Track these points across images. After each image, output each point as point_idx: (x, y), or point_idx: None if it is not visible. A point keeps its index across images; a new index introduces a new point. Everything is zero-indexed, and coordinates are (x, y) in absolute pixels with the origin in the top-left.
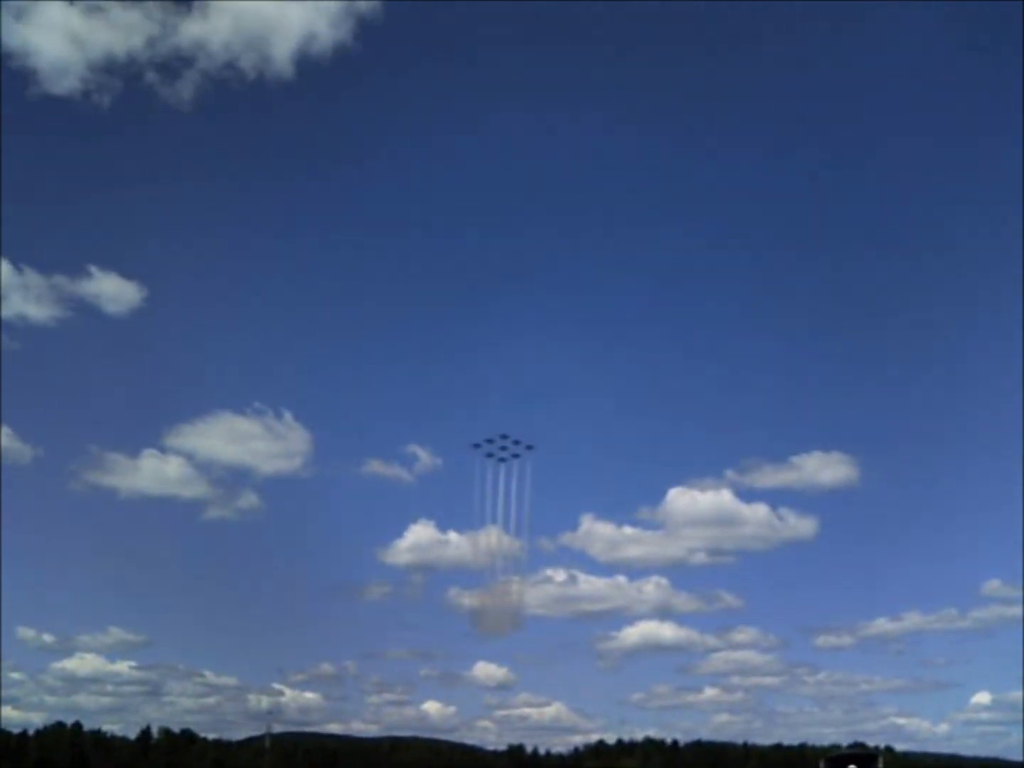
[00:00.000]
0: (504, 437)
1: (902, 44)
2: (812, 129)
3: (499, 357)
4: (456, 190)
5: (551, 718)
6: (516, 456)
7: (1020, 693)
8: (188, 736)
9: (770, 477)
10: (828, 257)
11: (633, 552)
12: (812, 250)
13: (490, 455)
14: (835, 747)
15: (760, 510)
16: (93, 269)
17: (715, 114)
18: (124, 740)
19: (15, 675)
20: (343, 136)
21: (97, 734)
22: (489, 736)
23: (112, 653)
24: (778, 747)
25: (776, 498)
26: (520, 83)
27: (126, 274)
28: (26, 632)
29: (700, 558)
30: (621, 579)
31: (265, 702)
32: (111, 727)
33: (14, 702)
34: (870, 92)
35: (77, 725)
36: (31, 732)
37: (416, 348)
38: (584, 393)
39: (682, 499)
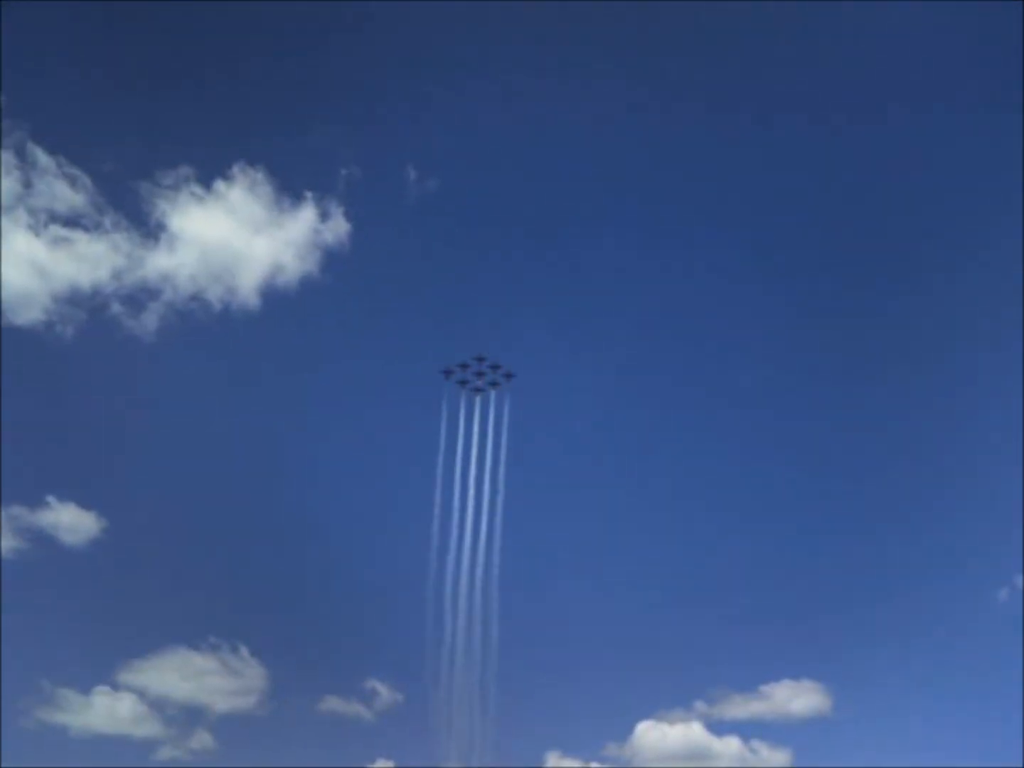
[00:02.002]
0: None
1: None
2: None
3: None
4: None
5: None
6: None
7: None
8: None
9: (740, 708)
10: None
11: None
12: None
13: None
14: None
15: (732, 743)
16: (51, 499)
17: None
18: None
19: None
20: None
21: None
22: None
23: None
24: None
25: (748, 730)
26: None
27: (85, 504)
28: None
29: None
30: None
31: None
32: None
33: None
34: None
35: None
36: None
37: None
38: None
39: (651, 733)
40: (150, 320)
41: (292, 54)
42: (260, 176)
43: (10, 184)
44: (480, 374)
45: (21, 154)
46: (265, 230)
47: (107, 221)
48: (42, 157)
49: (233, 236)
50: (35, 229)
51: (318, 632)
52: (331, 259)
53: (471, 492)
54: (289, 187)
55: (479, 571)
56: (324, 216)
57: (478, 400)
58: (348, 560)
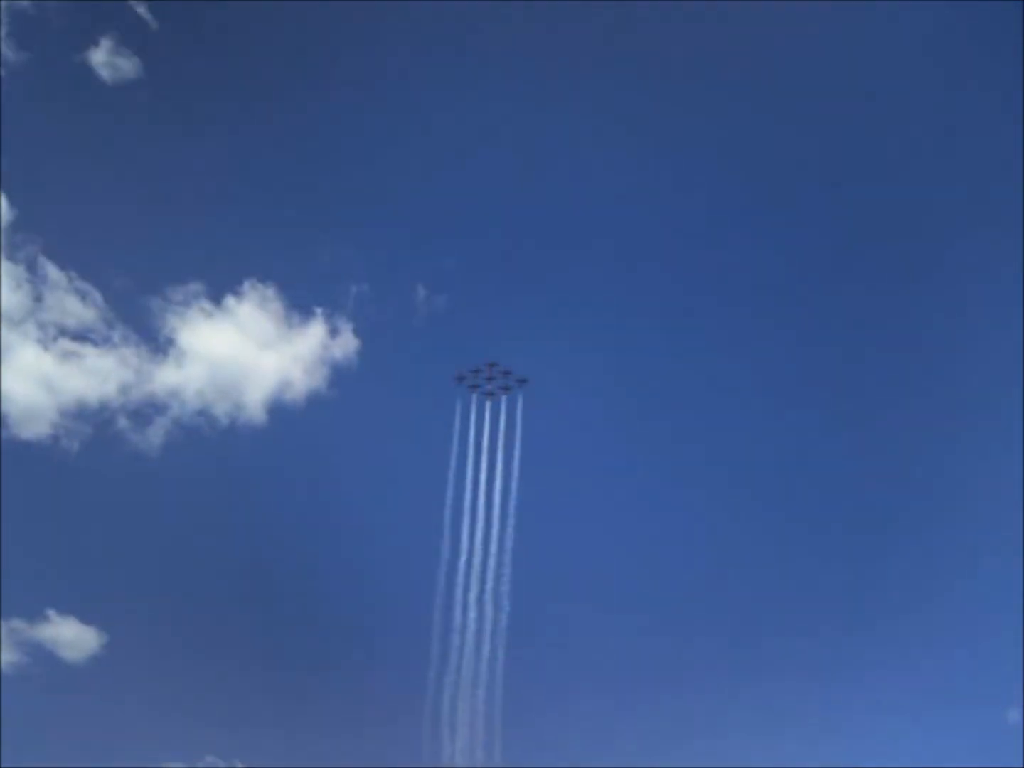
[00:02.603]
0: None
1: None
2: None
3: None
4: None
5: None
6: None
7: None
8: None
9: None
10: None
11: None
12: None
13: None
14: None
15: None
16: (52, 613)
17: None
18: None
19: None
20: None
21: None
22: None
23: None
24: None
25: None
26: None
27: (86, 619)
28: None
29: None
30: None
31: None
32: None
33: None
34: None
35: None
36: None
37: None
38: None
39: None
40: (156, 435)
41: (304, 173)
42: (271, 292)
43: (21, 298)
44: (492, 379)
45: (32, 268)
46: (274, 346)
47: (116, 336)
48: (53, 272)
49: (242, 352)
50: (44, 343)
51: (306, 740)
52: (339, 375)
53: (482, 495)
54: (299, 304)
55: (489, 576)
56: (333, 332)
57: (489, 405)
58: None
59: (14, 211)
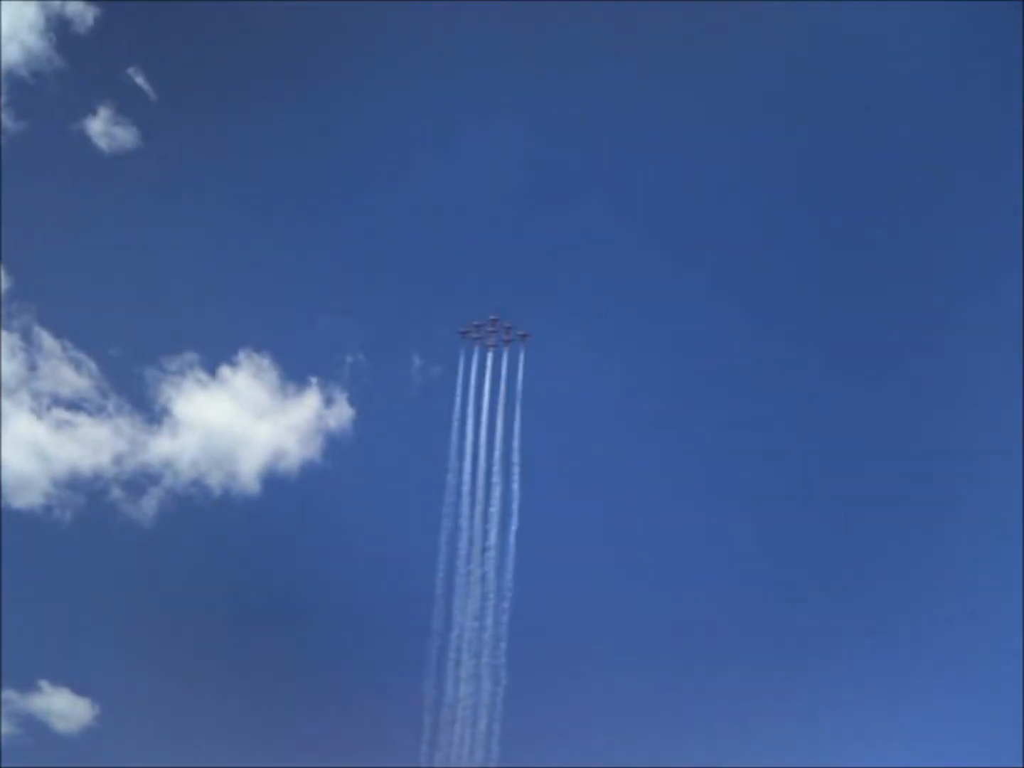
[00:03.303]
0: None
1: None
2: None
3: None
4: None
5: None
6: None
7: None
8: None
9: None
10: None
11: None
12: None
13: None
14: None
15: None
16: (45, 684)
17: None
18: None
19: None
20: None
21: None
22: None
23: None
24: None
25: None
26: None
27: (79, 690)
28: None
29: None
30: None
31: None
32: None
33: None
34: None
35: None
36: None
37: None
38: None
39: None
40: (149, 505)
41: (300, 243)
42: (266, 362)
43: (15, 367)
44: (495, 332)
45: (27, 337)
46: (269, 415)
47: (111, 405)
48: (48, 340)
49: (236, 421)
50: (38, 412)
51: None
52: (333, 445)
53: (483, 443)
54: (294, 373)
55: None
56: (328, 402)
57: (490, 355)
58: None
59: (10, 279)
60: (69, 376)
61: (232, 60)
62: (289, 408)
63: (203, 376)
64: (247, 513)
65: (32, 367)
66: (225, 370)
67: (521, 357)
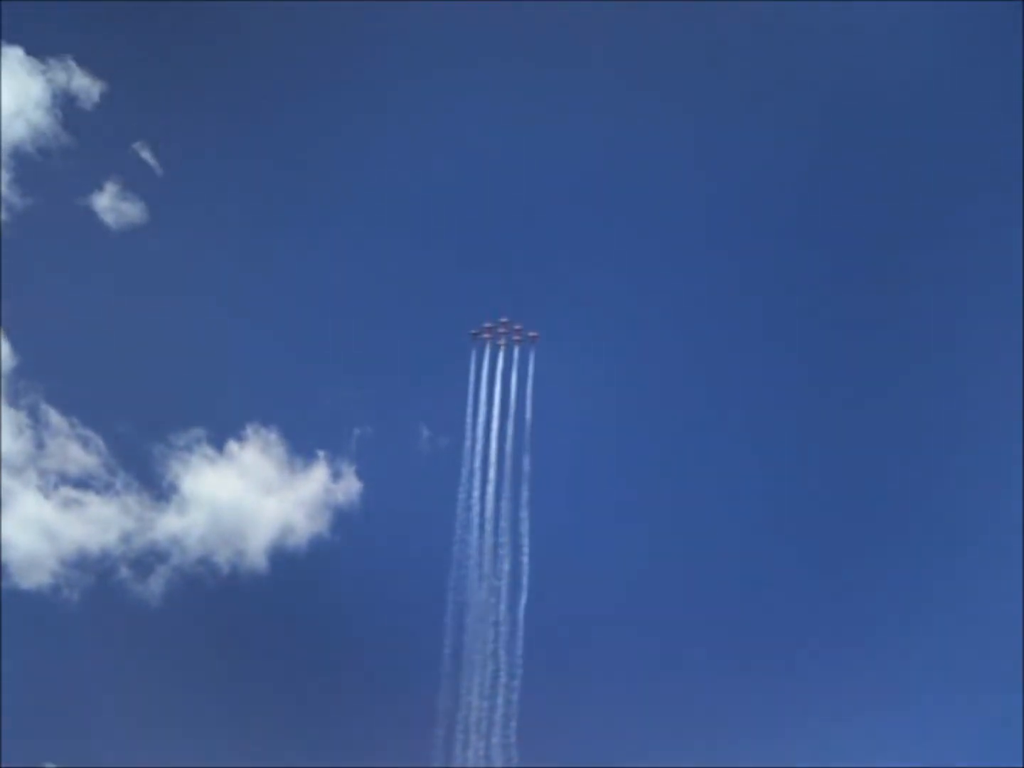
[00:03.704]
0: None
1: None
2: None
3: None
4: None
5: None
6: None
7: None
8: None
9: None
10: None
11: None
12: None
13: None
14: None
15: None
16: (50, 766)
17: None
18: None
19: None
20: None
21: None
22: None
23: None
24: None
25: None
26: None
27: None
28: None
29: None
30: None
31: None
32: None
33: None
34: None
35: None
36: None
37: None
38: None
39: None
40: (157, 584)
41: (306, 318)
42: (273, 437)
43: (22, 445)
44: (505, 334)
45: (34, 415)
46: (276, 490)
47: (118, 483)
48: (55, 418)
49: (244, 497)
50: (45, 491)
51: None
52: (341, 519)
53: (495, 434)
54: (302, 447)
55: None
56: (336, 476)
57: (502, 354)
58: None
59: (17, 357)
60: (76, 454)
61: (237, 135)
62: (297, 482)
63: (211, 452)
64: (255, 591)
65: (39, 445)
66: (233, 445)
67: (531, 359)
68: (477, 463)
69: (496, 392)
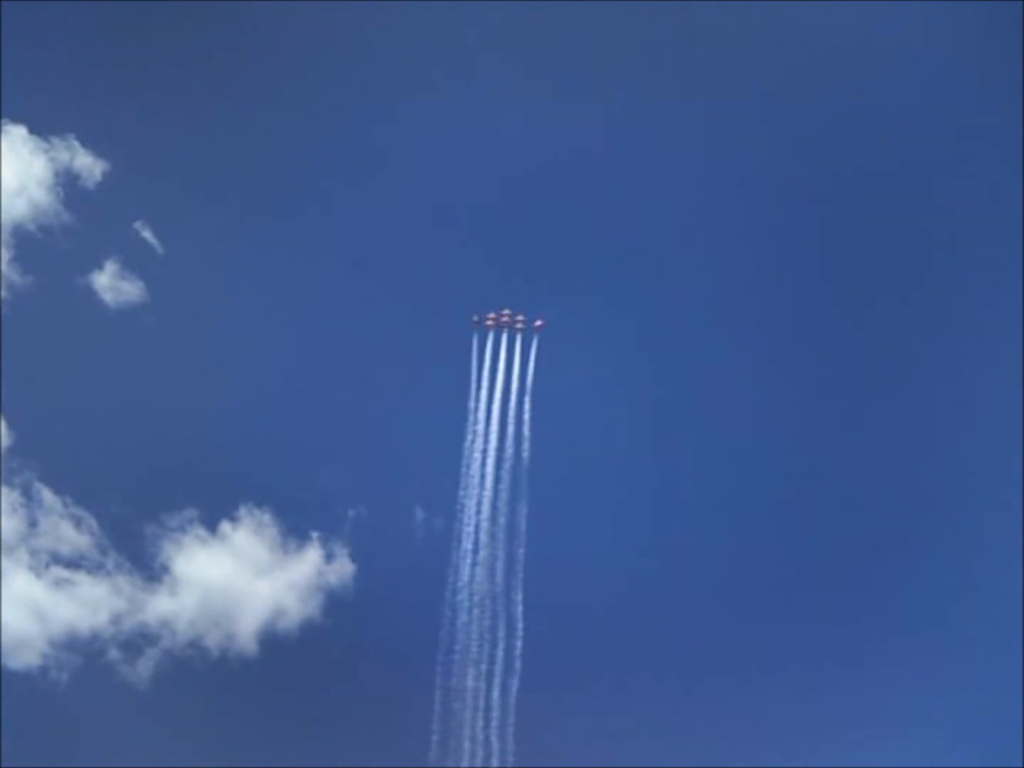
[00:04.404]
0: None
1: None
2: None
3: None
4: None
5: None
6: None
7: None
8: None
9: None
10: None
11: None
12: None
13: None
14: None
15: None
16: None
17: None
18: None
19: None
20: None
21: None
22: None
23: None
24: None
25: None
26: None
27: None
28: None
29: None
30: None
31: None
32: None
33: None
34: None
35: None
36: None
37: None
38: None
39: None
40: (146, 667)
41: (301, 399)
42: (266, 518)
43: (15, 524)
44: (506, 321)
45: (28, 493)
46: (268, 572)
47: (110, 563)
48: (48, 496)
49: (236, 579)
50: (36, 570)
51: None
52: (334, 602)
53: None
54: (295, 528)
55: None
56: (329, 557)
57: (505, 339)
58: None
59: (12, 435)
60: (69, 533)
61: (238, 214)
62: (289, 565)
63: (203, 532)
64: (244, 675)
65: (32, 524)
66: (225, 526)
67: (533, 350)
68: (468, 544)
69: (489, 465)
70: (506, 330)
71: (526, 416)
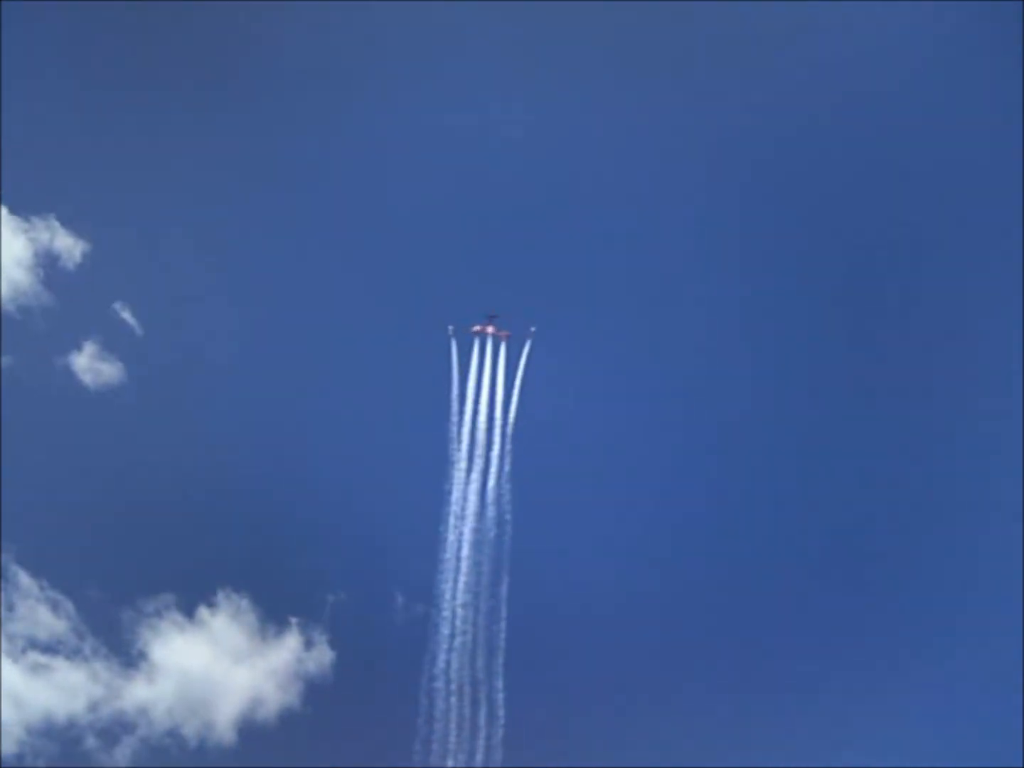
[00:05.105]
0: None
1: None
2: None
3: None
4: None
5: None
6: None
7: None
8: None
9: None
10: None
11: None
12: None
13: None
14: None
15: None
16: None
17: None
18: None
19: None
20: None
21: None
22: None
23: None
24: None
25: None
26: None
27: None
28: None
29: None
30: None
31: None
32: None
33: None
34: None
35: None
36: None
37: None
38: None
39: None
40: (123, 755)
41: (280, 486)
42: (245, 603)
43: None
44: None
45: (4, 575)
46: (247, 659)
47: (87, 648)
48: (25, 580)
49: (214, 666)
50: (13, 656)
51: None
52: (313, 690)
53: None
54: (274, 614)
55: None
56: (308, 644)
57: (489, 343)
58: None
59: None
60: (46, 618)
61: (217, 296)
62: (268, 651)
63: (180, 618)
64: (223, 765)
65: (9, 607)
66: (203, 611)
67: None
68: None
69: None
70: (489, 341)
71: (507, 499)
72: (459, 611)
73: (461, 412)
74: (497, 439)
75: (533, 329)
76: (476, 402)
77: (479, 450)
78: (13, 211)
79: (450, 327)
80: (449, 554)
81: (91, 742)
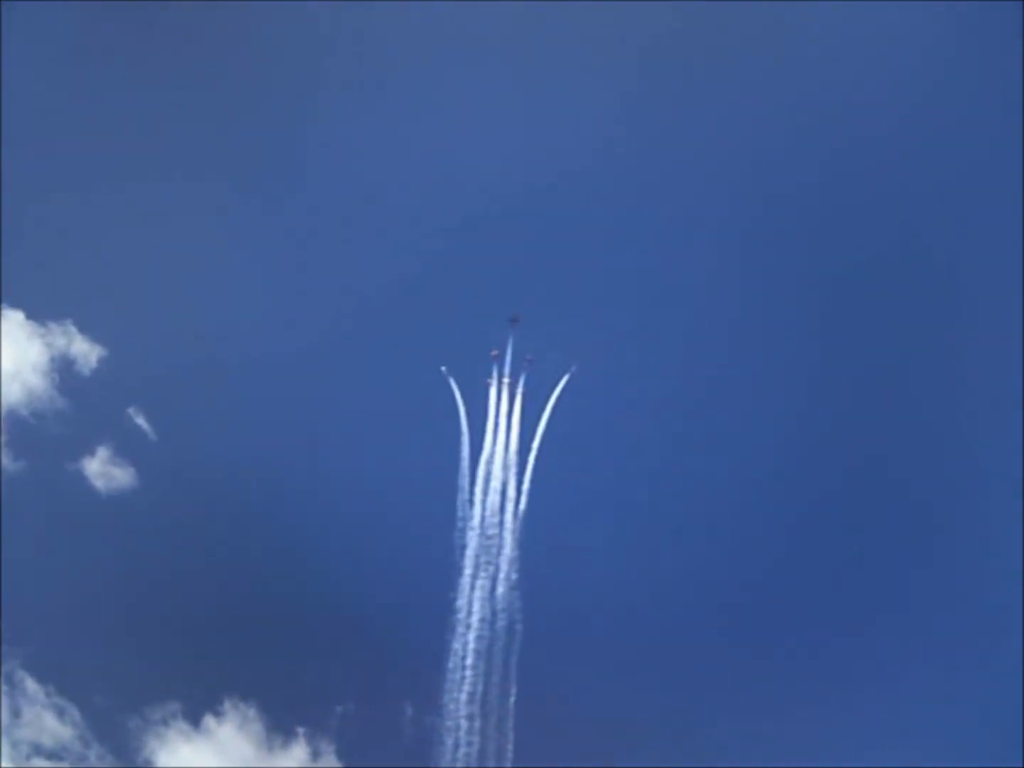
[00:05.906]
0: None
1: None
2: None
3: None
4: None
5: None
6: None
7: None
8: None
9: None
10: None
11: None
12: None
13: None
14: None
15: None
16: None
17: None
18: None
19: None
20: None
21: None
22: None
23: None
24: None
25: None
26: None
27: None
28: None
29: None
30: None
31: None
32: None
33: None
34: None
35: None
36: None
37: None
38: None
39: None
40: None
41: (285, 588)
42: (252, 712)
43: None
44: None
45: (11, 681)
46: None
47: (92, 756)
48: (32, 685)
49: None
50: (18, 761)
51: None
52: None
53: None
54: (281, 724)
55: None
56: (315, 755)
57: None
58: None
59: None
60: (52, 724)
61: (229, 402)
62: (275, 762)
63: (186, 727)
64: None
65: (15, 713)
66: (210, 720)
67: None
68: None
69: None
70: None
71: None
72: (463, 723)
73: (471, 499)
74: (508, 535)
75: (574, 368)
76: (486, 488)
77: (487, 556)
78: (30, 316)
79: (443, 368)
80: (454, 664)
81: None
